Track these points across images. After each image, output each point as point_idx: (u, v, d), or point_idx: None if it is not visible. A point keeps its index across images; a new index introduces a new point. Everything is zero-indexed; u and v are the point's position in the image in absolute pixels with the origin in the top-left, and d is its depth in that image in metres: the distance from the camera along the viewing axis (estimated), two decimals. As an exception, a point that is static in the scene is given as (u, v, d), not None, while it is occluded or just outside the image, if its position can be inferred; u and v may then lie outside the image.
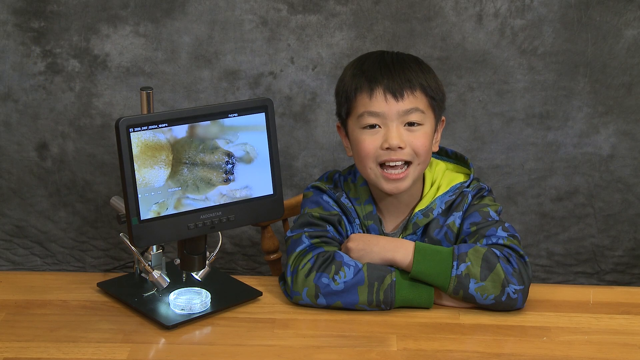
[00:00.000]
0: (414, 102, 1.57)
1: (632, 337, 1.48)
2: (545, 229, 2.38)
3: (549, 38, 2.23)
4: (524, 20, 2.22)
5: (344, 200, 1.67)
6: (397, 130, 1.56)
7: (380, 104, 1.57)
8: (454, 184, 1.65)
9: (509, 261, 1.52)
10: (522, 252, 1.55)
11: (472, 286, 1.50)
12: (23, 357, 1.38)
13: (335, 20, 2.22)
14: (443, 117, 1.67)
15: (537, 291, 1.61)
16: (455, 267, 1.51)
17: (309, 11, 2.21)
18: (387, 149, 1.56)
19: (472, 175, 1.66)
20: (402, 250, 1.55)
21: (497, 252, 1.53)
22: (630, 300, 1.62)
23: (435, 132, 1.63)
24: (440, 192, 1.64)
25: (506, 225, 1.59)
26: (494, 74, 2.25)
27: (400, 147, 1.56)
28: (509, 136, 2.31)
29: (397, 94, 1.56)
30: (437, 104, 1.61)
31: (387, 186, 1.59)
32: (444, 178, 1.67)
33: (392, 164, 1.57)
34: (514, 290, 1.51)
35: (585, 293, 1.64)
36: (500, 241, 1.56)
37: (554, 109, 2.28)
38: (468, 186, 1.65)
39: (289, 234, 1.63)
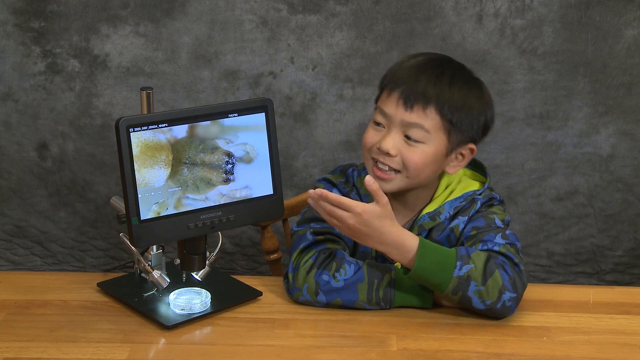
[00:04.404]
0: (421, 117, 1.53)
1: (632, 337, 1.48)
2: (545, 229, 2.38)
3: (549, 38, 2.23)
4: (524, 20, 2.22)
5: (353, 196, 1.65)
6: (393, 138, 1.55)
7: (391, 106, 1.56)
8: (467, 190, 1.63)
9: (504, 269, 1.50)
10: (516, 260, 1.52)
11: (472, 289, 1.48)
12: (23, 357, 1.37)
13: (335, 20, 2.22)
14: (472, 146, 1.60)
15: (537, 291, 1.61)
16: (458, 267, 1.48)
17: (309, 11, 2.21)
18: (379, 149, 1.56)
19: (486, 184, 1.65)
20: (407, 243, 1.49)
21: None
22: (630, 300, 1.62)
23: (445, 156, 1.58)
24: (452, 197, 1.62)
25: (507, 232, 1.56)
26: (494, 74, 2.25)
27: (389, 154, 1.55)
28: (509, 136, 2.31)
29: (407, 104, 1.54)
30: (454, 129, 1.55)
31: None
32: (460, 183, 1.65)
33: (379, 165, 1.57)
34: (509, 298, 1.49)
35: (585, 293, 1.64)
36: (496, 248, 1.53)
37: (554, 109, 2.28)
38: (480, 194, 1.63)
39: (295, 227, 1.62)
